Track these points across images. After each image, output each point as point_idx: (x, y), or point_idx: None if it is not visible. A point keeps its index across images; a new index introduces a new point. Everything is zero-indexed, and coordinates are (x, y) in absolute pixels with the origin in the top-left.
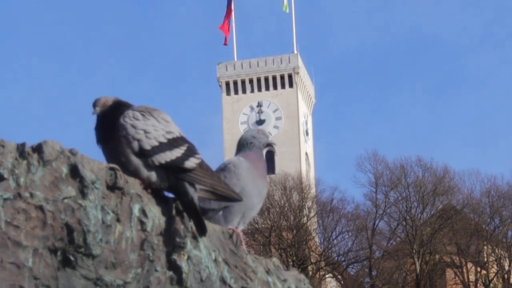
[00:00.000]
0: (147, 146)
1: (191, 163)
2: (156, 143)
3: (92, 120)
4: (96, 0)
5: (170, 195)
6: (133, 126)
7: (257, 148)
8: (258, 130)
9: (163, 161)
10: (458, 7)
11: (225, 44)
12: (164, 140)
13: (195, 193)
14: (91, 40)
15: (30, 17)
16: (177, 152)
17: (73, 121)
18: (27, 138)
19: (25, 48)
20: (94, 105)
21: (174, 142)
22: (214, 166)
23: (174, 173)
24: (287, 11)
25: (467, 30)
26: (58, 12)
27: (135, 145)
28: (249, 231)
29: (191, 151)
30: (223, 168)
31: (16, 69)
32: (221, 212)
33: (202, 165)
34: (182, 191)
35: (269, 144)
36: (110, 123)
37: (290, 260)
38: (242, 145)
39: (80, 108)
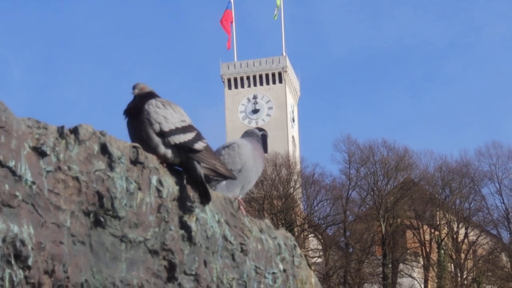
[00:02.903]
0: (166, 128)
1: (199, 145)
2: (173, 127)
3: (114, 108)
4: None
5: (181, 169)
6: (156, 112)
7: (256, 137)
8: (254, 129)
9: (177, 142)
10: (432, 20)
11: (228, 48)
12: (179, 126)
13: (202, 169)
14: (107, 42)
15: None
16: (189, 136)
17: (105, 110)
18: (70, 123)
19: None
20: (134, 87)
21: (186, 128)
22: (217, 147)
23: (185, 152)
24: (275, 18)
25: (438, 39)
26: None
27: (157, 126)
28: (246, 199)
29: (199, 136)
30: (228, 146)
31: (67, 70)
32: (224, 182)
33: (207, 148)
34: (191, 167)
35: (263, 136)
36: (138, 106)
37: (279, 223)
38: (246, 133)
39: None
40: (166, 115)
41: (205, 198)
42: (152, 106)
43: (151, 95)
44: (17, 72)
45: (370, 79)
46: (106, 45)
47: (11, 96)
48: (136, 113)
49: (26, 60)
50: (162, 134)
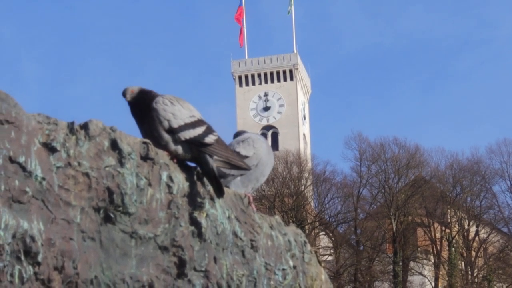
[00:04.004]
0: (175, 125)
1: (210, 139)
2: (182, 123)
3: (124, 105)
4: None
5: (192, 165)
6: (164, 110)
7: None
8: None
9: (187, 137)
10: (444, 16)
11: (241, 45)
12: (188, 121)
13: (214, 163)
14: (118, 38)
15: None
16: (199, 130)
17: (117, 106)
18: (83, 120)
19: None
20: (124, 94)
21: (196, 123)
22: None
23: (196, 147)
24: (289, 14)
25: (451, 35)
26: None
27: (166, 124)
28: (257, 197)
29: (210, 130)
30: (243, 141)
31: (79, 68)
32: (239, 178)
33: (218, 141)
34: (204, 162)
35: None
36: (144, 107)
37: (290, 221)
38: (243, 132)
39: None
40: (174, 112)
41: (218, 192)
42: (160, 104)
43: (148, 93)
44: (30, 68)
45: (381, 76)
46: (118, 42)
47: (23, 93)
48: (143, 113)
49: (39, 56)
50: (172, 131)
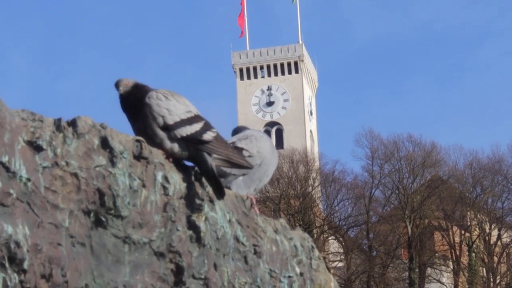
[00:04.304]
0: (171, 121)
1: (208, 136)
2: (178, 119)
3: (116, 99)
4: None
5: (190, 164)
6: (158, 105)
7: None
8: None
9: (184, 134)
10: (464, 3)
11: (241, 36)
12: (184, 117)
13: (213, 162)
14: (112, 30)
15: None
16: (196, 127)
17: (111, 103)
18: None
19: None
20: (117, 85)
21: (193, 119)
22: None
23: (194, 145)
24: (294, 2)
25: (471, 24)
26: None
27: (160, 120)
28: (261, 199)
29: (207, 126)
30: (245, 138)
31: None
32: (241, 178)
33: (217, 137)
34: (202, 160)
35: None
36: (136, 102)
37: (297, 224)
38: (244, 128)
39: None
40: (169, 107)
41: (218, 193)
42: (153, 99)
43: (142, 87)
44: (17, 63)
45: (394, 69)
46: (111, 33)
47: (10, 89)
48: (136, 109)
49: (27, 49)
50: (167, 128)
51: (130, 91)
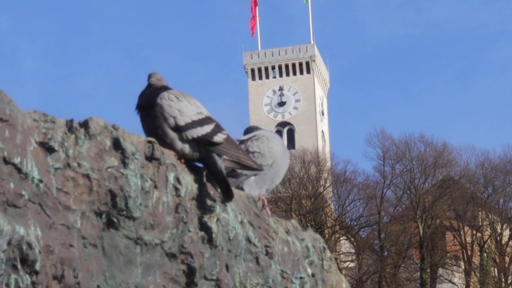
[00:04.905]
0: (182, 122)
1: (218, 137)
2: (189, 120)
3: (131, 101)
4: None
5: (200, 165)
6: (169, 106)
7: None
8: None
9: (195, 136)
10: (477, 5)
11: (252, 35)
12: (195, 118)
13: (223, 164)
14: (124, 29)
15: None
16: (207, 128)
17: (123, 103)
18: (85, 117)
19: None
20: (150, 76)
21: (204, 121)
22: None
23: (204, 146)
24: (305, 2)
25: (486, 24)
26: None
27: (171, 121)
28: (273, 199)
29: (218, 128)
30: (256, 138)
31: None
32: (253, 178)
33: (228, 139)
34: (211, 162)
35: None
36: (149, 101)
37: (308, 224)
38: (257, 128)
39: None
40: (181, 108)
41: (226, 195)
42: (165, 100)
43: (165, 89)
44: (28, 63)
45: (407, 69)
46: (123, 33)
47: (22, 89)
48: (149, 108)
49: (38, 50)
50: (178, 129)
51: (156, 87)
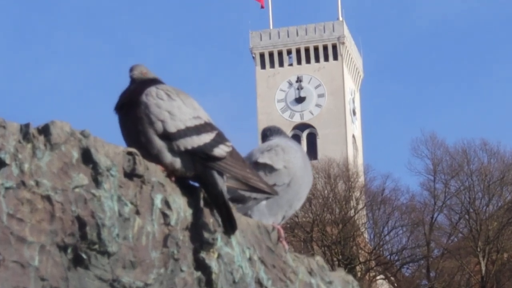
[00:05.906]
0: (173, 128)
1: (220, 150)
2: (182, 126)
3: (112, 100)
4: None
5: (197, 185)
6: (158, 106)
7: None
8: None
9: (189, 147)
10: None
11: (262, 7)
12: (191, 124)
13: (225, 184)
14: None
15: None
16: (205, 138)
17: (100, 101)
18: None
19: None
20: (132, 69)
21: (202, 128)
22: (247, 151)
23: (202, 161)
24: None
25: None
26: None
27: (159, 126)
28: (288, 225)
29: (221, 138)
30: (269, 150)
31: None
32: (264, 202)
33: (232, 154)
34: (211, 182)
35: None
36: (132, 99)
37: (335, 259)
38: (277, 131)
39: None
40: (172, 110)
41: (229, 225)
42: (152, 97)
43: (153, 83)
44: None
45: (465, 58)
46: (99, 11)
47: None
48: (130, 108)
49: None
50: (167, 137)
51: (142, 81)
